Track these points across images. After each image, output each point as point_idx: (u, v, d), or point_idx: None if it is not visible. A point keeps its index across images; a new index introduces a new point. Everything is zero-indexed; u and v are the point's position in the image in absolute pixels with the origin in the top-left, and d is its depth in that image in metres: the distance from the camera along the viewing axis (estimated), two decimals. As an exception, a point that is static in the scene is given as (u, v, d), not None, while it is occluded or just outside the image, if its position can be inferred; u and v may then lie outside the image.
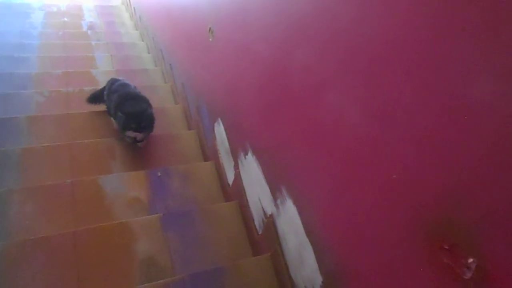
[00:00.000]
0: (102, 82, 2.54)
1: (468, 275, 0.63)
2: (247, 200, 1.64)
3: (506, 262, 0.58)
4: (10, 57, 3.14)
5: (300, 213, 1.21)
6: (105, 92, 2.23)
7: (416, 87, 0.70)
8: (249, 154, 1.55)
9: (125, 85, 2.18)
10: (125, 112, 1.96)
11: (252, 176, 1.55)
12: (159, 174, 1.91)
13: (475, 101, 0.60)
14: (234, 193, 1.79)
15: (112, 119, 2.20)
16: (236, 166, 1.72)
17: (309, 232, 1.17)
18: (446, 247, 0.68)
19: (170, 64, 2.95)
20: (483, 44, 0.58)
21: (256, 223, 1.56)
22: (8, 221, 1.60)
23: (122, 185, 1.85)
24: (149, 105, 2.09)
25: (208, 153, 2.15)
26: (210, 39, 1.86)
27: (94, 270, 1.46)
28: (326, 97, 0.99)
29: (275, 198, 1.36)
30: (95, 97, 2.35)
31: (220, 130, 1.89)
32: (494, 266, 0.60)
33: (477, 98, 0.59)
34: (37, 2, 5.04)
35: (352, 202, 0.94)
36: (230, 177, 1.82)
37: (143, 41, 4.10)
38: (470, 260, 0.63)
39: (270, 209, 1.42)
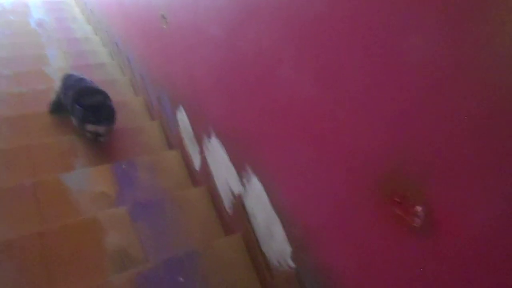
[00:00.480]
0: (56, 80, 2.45)
1: (418, 222, 0.68)
2: (215, 183, 1.65)
3: (449, 207, 0.63)
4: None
5: (266, 189, 1.24)
6: (60, 89, 2.16)
7: (356, 51, 0.73)
8: (213, 137, 1.56)
9: (80, 80, 2.11)
10: (83, 105, 1.91)
11: (218, 159, 1.56)
12: (123, 166, 1.88)
13: (409, 59, 0.63)
14: (202, 178, 1.79)
15: (71, 116, 2.13)
16: (201, 151, 1.72)
17: (275, 206, 1.20)
18: (397, 200, 0.72)
19: (127, 57, 2.88)
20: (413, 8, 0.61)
21: (226, 204, 1.58)
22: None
23: (87, 181, 1.82)
24: (108, 98, 2.04)
25: (173, 141, 2.14)
26: (164, 26, 1.84)
27: (64, 268, 1.43)
28: (278, 73, 1.02)
29: (241, 178, 1.38)
30: (58, 105, 2.23)
31: (182, 117, 1.88)
32: (439, 211, 0.64)
33: (411, 57, 0.63)
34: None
35: (310, 171, 0.98)
36: (197, 163, 1.82)
37: (97, 35, 3.97)
38: (419, 208, 0.67)
39: (237, 189, 1.44)
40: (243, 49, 1.19)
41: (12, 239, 1.45)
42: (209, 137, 1.59)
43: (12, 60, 3.09)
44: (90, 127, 1.94)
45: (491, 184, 0.56)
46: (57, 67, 3.03)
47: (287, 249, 1.17)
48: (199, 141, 1.73)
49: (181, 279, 1.36)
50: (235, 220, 1.53)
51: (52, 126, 2.21)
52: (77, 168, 1.95)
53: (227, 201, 1.56)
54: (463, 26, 0.55)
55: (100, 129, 1.96)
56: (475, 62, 0.55)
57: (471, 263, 0.61)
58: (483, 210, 0.58)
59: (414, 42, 0.62)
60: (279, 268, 1.25)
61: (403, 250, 0.73)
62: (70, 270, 1.42)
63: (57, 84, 2.27)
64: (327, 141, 0.89)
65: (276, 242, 1.24)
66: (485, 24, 0.52)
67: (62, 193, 1.74)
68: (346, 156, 0.83)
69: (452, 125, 0.59)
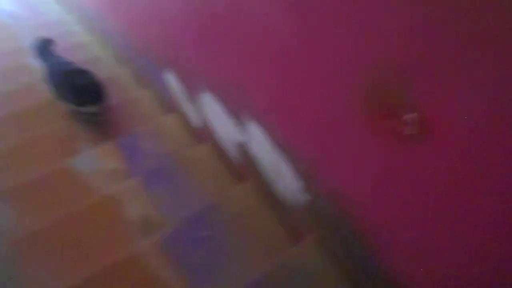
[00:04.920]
0: (39, 70, 2.40)
1: (410, 130, 0.68)
2: (218, 136, 1.66)
3: (438, 111, 0.62)
4: None
5: (266, 131, 1.24)
6: (45, 77, 2.13)
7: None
8: (206, 93, 1.54)
9: (63, 63, 2.07)
10: (76, 87, 1.88)
11: (215, 113, 1.56)
12: (127, 140, 1.90)
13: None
14: (205, 135, 1.80)
15: (64, 103, 2.12)
16: (198, 109, 1.72)
17: (278, 146, 1.21)
18: (386, 112, 0.72)
19: (104, 30, 2.79)
20: None
21: (232, 154, 1.60)
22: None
23: (95, 161, 1.85)
24: (95, 76, 2.01)
25: (169, 105, 2.13)
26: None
27: (94, 245, 1.50)
28: (249, 9, 0.97)
29: (240, 126, 1.39)
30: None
31: (172, 79, 1.85)
32: (429, 117, 0.64)
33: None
34: None
35: (302, 102, 0.97)
36: (196, 121, 1.82)
37: (70, 14, 3.82)
38: (408, 116, 0.67)
39: (239, 137, 1.44)
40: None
41: (39, 229, 1.52)
42: (201, 93, 1.58)
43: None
44: (85, 109, 1.93)
45: (477, 83, 0.54)
46: (38, 56, 2.96)
47: (298, 184, 1.20)
48: (194, 100, 1.71)
49: (205, 233, 1.42)
50: (244, 167, 1.55)
51: (48, 115, 2.21)
52: (83, 151, 1.97)
53: (233, 151, 1.58)
54: None
55: (96, 108, 1.95)
56: None
57: (466, 164, 0.61)
58: (473, 110, 0.56)
59: None
60: (295, 203, 1.29)
61: (403, 160, 0.74)
62: (100, 246, 1.49)
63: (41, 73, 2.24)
64: (310, 67, 0.87)
65: (286, 180, 1.26)
66: None
67: (75, 177, 1.77)
68: (329, 78, 0.82)
69: (432, 26, 0.56)
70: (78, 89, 1.89)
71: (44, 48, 2.28)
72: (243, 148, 1.46)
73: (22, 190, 1.72)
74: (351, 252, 1.13)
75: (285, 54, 0.93)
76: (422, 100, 0.63)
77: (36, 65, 2.47)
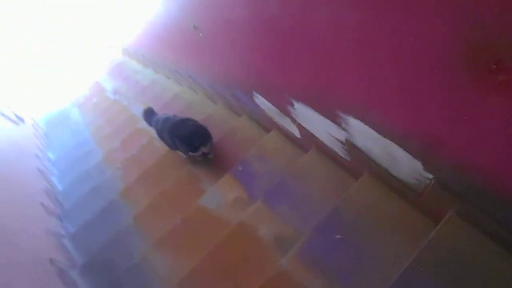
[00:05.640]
0: (151, 130, 2.74)
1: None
2: (320, 140, 1.67)
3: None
4: (78, 157, 3.54)
5: (366, 122, 1.21)
6: (157, 135, 2.43)
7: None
8: (295, 103, 1.57)
9: (165, 120, 2.33)
10: (181, 137, 2.11)
11: (310, 119, 1.58)
12: (240, 168, 2.03)
13: None
14: (307, 142, 1.83)
15: (178, 152, 2.38)
16: (293, 120, 1.76)
17: (382, 132, 1.17)
18: (495, 66, 0.65)
19: (190, 76, 3.05)
20: None
21: (341, 153, 1.59)
22: (156, 278, 1.86)
23: (219, 195, 2.02)
24: (195, 121, 2.22)
25: (267, 125, 2.21)
26: (200, 35, 1.91)
27: (242, 272, 1.63)
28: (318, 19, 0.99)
29: (339, 124, 1.38)
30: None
31: (261, 100, 1.94)
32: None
33: None
34: (66, 102, 5.54)
35: (397, 80, 0.93)
36: (295, 131, 1.86)
37: (158, 73, 4.27)
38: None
39: (342, 135, 1.43)
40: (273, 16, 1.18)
41: (193, 268, 1.71)
42: (291, 105, 1.61)
43: (113, 133, 3.55)
44: (196, 153, 2.13)
45: None
46: (146, 119, 3.39)
47: (417, 164, 1.14)
48: (287, 113, 1.76)
49: (337, 236, 1.43)
50: (356, 163, 1.53)
51: (169, 167, 2.50)
52: (206, 189, 2.17)
53: (340, 151, 1.57)
54: None
55: (204, 149, 2.14)
56: None
57: None
58: None
59: None
60: (421, 184, 1.22)
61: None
62: (247, 272, 1.61)
63: (153, 132, 2.56)
64: (404, 51, 0.84)
65: (403, 164, 1.21)
66: None
67: (208, 214, 1.96)
68: (423, 46, 0.77)
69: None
70: (184, 139, 2.10)
71: (148, 114, 2.62)
72: (349, 144, 1.44)
73: (170, 236, 1.96)
74: (493, 216, 1.03)
75: (368, 50, 0.91)
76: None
77: (148, 127, 2.83)
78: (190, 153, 2.15)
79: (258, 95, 1.92)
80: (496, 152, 0.83)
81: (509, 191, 0.89)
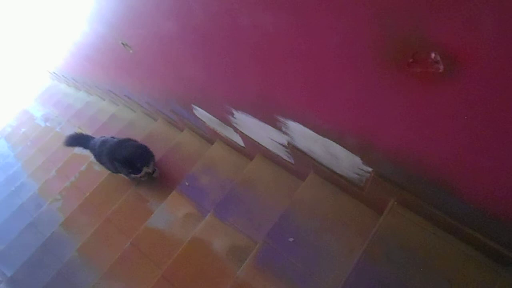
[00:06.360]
0: (90, 155, 2.59)
1: (441, 67, 0.65)
2: (264, 147, 1.68)
3: (462, 39, 0.59)
4: (10, 192, 3.26)
5: (303, 123, 1.24)
6: (95, 159, 2.30)
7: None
8: (234, 112, 1.57)
9: (103, 142, 2.22)
10: (121, 160, 2.01)
11: (251, 126, 1.58)
12: (186, 184, 1.98)
13: None
14: (252, 150, 1.83)
15: (121, 174, 2.27)
16: (235, 129, 1.75)
17: (320, 131, 1.20)
18: (411, 60, 0.69)
19: (125, 95, 2.95)
20: None
21: (285, 157, 1.61)
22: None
23: (168, 214, 1.95)
24: (134, 141, 2.13)
25: (210, 137, 2.19)
26: (130, 51, 1.84)
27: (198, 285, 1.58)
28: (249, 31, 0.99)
29: (279, 129, 1.40)
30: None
31: (201, 113, 1.91)
32: (454, 50, 0.61)
33: None
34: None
35: (324, 81, 0.96)
36: (239, 140, 1.86)
37: (91, 95, 4.08)
38: (434, 54, 0.64)
39: (284, 139, 1.45)
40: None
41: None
42: (232, 114, 1.61)
43: (47, 162, 3.32)
44: (138, 174, 2.05)
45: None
46: (83, 143, 3.20)
47: (356, 159, 1.19)
48: (228, 123, 1.75)
49: (290, 239, 1.44)
50: (299, 164, 1.56)
51: (112, 191, 2.37)
52: (154, 210, 2.09)
53: (283, 154, 1.59)
54: None
55: (147, 169, 2.06)
56: None
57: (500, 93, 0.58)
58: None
59: None
60: (362, 178, 1.27)
61: (441, 100, 0.71)
62: (203, 287, 1.57)
63: (91, 157, 2.42)
64: (326, 54, 0.86)
65: (344, 160, 1.25)
66: None
67: (157, 235, 1.89)
68: (347, 44, 0.80)
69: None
70: (124, 161, 2.00)
71: (81, 139, 2.44)
72: (290, 146, 1.46)
73: (120, 264, 1.86)
74: (430, 201, 1.10)
75: (296, 53, 0.93)
76: (443, 35, 0.61)
77: (85, 151, 2.67)
78: (133, 175, 2.06)
79: (197, 107, 1.89)
80: (422, 139, 0.88)
81: (442, 176, 0.95)
